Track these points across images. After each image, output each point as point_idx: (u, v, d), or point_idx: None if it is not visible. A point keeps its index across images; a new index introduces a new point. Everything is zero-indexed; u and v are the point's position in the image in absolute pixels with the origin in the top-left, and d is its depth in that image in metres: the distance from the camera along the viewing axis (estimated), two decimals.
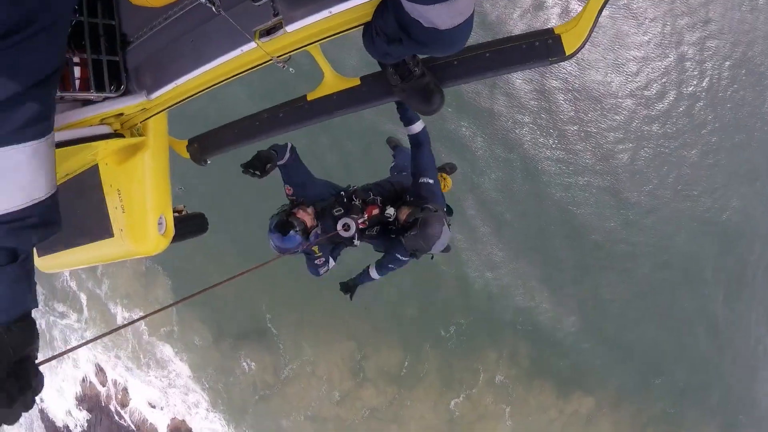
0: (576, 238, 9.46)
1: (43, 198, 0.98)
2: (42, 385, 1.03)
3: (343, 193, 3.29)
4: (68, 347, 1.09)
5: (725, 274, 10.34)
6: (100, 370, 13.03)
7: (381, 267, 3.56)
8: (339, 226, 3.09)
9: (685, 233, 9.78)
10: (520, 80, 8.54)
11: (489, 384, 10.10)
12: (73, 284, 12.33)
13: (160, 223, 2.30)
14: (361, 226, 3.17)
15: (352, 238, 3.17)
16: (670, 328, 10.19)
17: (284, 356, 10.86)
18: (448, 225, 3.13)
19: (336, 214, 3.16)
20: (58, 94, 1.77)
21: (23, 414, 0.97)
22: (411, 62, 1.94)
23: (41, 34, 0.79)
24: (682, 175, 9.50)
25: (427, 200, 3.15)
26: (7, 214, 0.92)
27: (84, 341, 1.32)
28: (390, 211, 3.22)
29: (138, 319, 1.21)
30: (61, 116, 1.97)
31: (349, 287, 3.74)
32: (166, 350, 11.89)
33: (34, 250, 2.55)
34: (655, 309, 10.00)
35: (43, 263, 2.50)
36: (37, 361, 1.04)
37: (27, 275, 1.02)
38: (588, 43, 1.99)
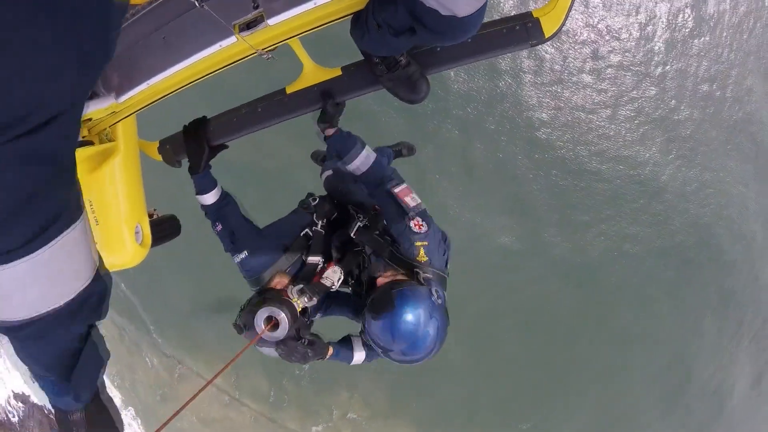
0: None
1: (94, 273, 0.94)
2: None
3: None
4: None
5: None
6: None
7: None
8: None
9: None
10: None
11: (342, 419, 9.76)
12: None
13: (137, 233, 2.17)
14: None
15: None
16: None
17: (171, 358, 10.56)
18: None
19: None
20: None
21: None
22: None
23: (53, 123, 0.70)
24: None
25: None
26: (83, 291, 0.90)
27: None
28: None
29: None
30: None
31: None
32: None
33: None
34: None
35: None
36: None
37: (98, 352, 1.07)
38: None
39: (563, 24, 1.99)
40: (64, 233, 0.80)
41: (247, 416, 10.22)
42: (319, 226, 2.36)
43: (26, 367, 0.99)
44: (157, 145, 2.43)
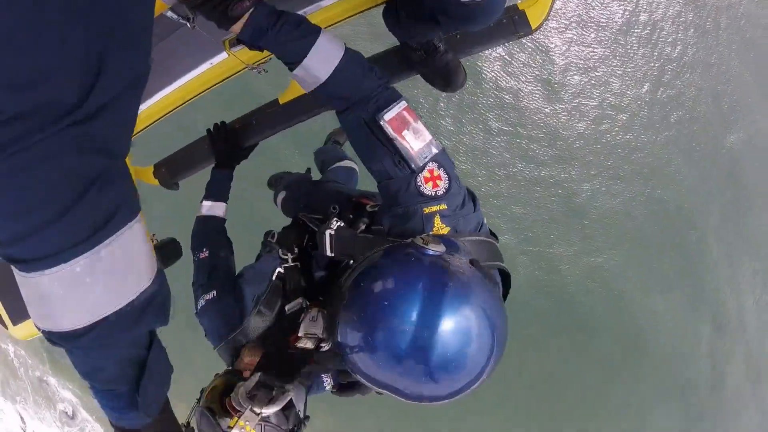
0: None
1: (156, 272, 0.88)
2: None
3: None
4: None
5: None
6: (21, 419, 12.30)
7: None
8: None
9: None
10: None
11: None
12: None
13: None
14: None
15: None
16: None
17: None
18: None
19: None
20: None
21: None
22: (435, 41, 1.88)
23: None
24: None
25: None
26: (145, 291, 0.82)
27: None
28: None
29: None
30: None
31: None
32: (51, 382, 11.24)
33: (9, 318, 2.30)
34: None
35: (19, 331, 2.26)
36: None
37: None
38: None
39: (548, 15, 2.02)
40: (125, 227, 0.75)
41: None
42: (290, 261, 1.65)
43: (88, 384, 0.91)
44: (152, 169, 2.38)
